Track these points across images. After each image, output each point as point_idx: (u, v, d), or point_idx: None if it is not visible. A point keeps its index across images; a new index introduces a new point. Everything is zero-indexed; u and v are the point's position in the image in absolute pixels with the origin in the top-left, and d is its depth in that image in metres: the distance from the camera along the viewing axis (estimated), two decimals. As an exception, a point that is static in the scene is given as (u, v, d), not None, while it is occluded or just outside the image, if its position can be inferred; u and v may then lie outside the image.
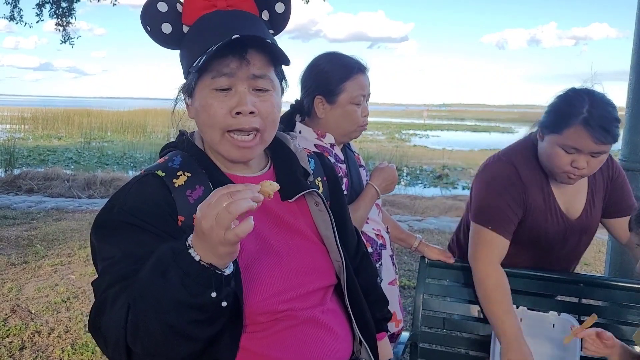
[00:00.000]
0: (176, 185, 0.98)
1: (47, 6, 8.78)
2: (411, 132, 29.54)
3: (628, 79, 2.79)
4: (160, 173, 0.99)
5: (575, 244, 1.81)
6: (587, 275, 1.81)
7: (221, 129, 0.98)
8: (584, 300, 1.78)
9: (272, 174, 1.11)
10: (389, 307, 1.77)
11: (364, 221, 1.72)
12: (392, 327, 1.80)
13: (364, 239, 1.71)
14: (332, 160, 1.67)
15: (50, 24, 9.11)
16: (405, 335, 1.80)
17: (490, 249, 1.70)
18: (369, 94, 1.75)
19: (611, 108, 1.54)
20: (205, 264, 0.78)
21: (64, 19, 8.93)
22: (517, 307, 1.77)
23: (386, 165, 1.80)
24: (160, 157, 1.08)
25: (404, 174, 12.53)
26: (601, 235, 5.17)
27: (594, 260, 4.81)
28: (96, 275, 0.94)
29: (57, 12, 8.84)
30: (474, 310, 1.88)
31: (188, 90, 1.02)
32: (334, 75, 1.69)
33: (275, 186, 0.83)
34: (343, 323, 1.11)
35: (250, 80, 0.97)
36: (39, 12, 8.80)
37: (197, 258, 0.78)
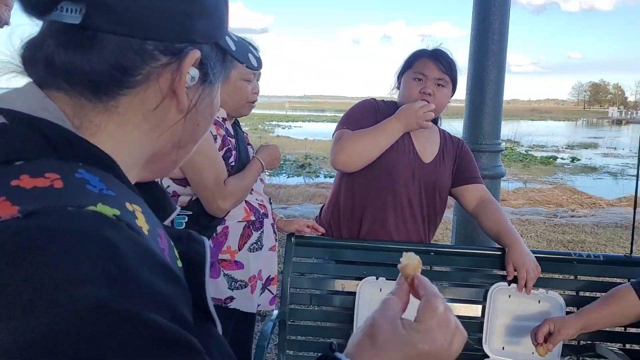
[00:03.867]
0: (144, 230, 0.49)
1: None
2: (274, 123, 29.83)
3: (467, 69, 3.09)
4: (114, 212, 0.46)
5: (427, 194, 1.98)
6: (437, 244, 1.99)
7: None
8: (435, 268, 1.95)
9: None
10: (270, 271, 1.85)
11: (249, 190, 1.81)
12: (274, 289, 1.91)
13: (247, 208, 1.81)
14: (223, 133, 1.77)
15: None
16: (275, 312, 1.84)
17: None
18: (259, 74, 1.87)
19: (451, 56, 1.97)
20: None
21: None
22: (377, 278, 1.90)
23: (270, 144, 1.97)
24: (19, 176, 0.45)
25: (268, 164, 12.63)
26: (448, 215, 5.68)
27: (442, 237, 5.29)
28: None
29: None
30: (339, 284, 1.97)
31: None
32: None
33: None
34: None
35: None
36: None
37: None
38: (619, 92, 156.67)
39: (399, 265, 0.63)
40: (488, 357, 1.83)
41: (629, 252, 2.02)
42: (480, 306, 1.90)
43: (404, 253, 0.64)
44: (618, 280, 1.94)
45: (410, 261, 0.63)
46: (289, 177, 11.44)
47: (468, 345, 1.88)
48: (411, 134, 2.00)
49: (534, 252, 1.88)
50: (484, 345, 1.84)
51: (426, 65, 1.93)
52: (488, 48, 2.95)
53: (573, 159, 21.21)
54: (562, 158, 21.55)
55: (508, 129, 32.46)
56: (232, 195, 1.68)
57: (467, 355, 1.87)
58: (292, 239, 2.01)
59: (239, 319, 1.82)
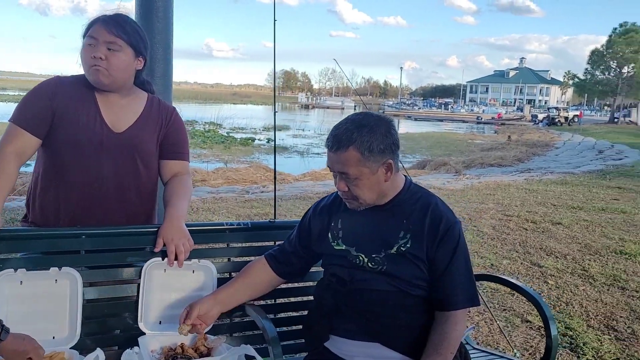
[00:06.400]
0: None
1: None
2: None
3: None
4: None
5: (125, 166, 1.94)
6: (88, 227, 1.88)
7: None
8: (84, 252, 1.84)
9: None
10: None
11: None
12: None
13: None
14: None
15: None
16: None
17: (7, 138, 1.85)
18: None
19: (128, 20, 1.93)
20: None
21: None
22: (16, 270, 1.71)
23: None
24: None
25: None
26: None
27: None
28: None
29: None
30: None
31: None
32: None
33: None
34: None
35: None
36: None
37: None
38: (306, 80, 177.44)
39: None
40: (144, 334, 1.83)
41: (274, 218, 2.26)
42: (136, 285, 1.88)
43: None
44: (265, 243, 2.16)
45: None
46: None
47: (124, 326, 1.86)
48: (99, 104, 1.92)
49: (189, 225, 1.95)
50: (139, 323, 1.83)
51: (98, 30, 1.85)
52: (153, 26, 2.92)
53: (268, 140, 23.21)
54: (259, 139, 23.38)
55: (211, 113, 33.62)
56: None
57: (123, 336, 1.85)
58: None
59: None
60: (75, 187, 1.90)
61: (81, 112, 1.89)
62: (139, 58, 1.94)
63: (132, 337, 1.81)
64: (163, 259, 1.87)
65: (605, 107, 72.68)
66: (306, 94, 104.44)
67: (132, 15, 2.90)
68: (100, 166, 1.90)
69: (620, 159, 17.20)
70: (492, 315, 3.34)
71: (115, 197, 1.95)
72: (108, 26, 1.85)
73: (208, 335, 1.85)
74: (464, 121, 53.61)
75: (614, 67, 50.63)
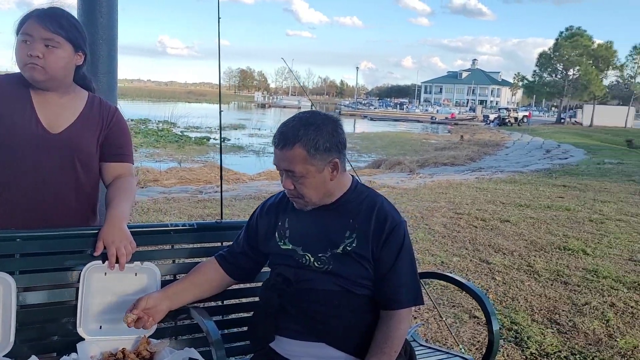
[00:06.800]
0: None
1: None
2: None
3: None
4: None
5: (64, 168, 1.86)
6: (22, 230, 1.80)
7: None
8: (19, 255, 1.76)
9: None
10: None
11: None
12: None
13: None
14: None
15: None
16: None
17: None
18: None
19: (64, 15, 1.84)
20: None
21: None
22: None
23: None
24: None
25: None
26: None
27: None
28: None
29: None
30: None
31: None
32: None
33: None
34: None
35: None
36: None
37: None
38: (263, 79, 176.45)
39: None
40: (84, 339, 1.77)
41: (220, 219, 2.23)
42: (75, 289, 1.81)
43: None
44: (212, 244, 2.13)
45: None
46: None
47: (62, 331, 1.79)
48: (35, 104, 1.83)
49: (131, 227, 1.90)
50: (78, 329, 1.77)
51: (33, 26, 1.76)
52: (97, 22, 2.83)
53: (224, 139, 22.95)
54: (214, 138, 23.08)
55: (165, 111, 33.02)
56: None
57: (61, 342, 1.78)
58: None
59: None
60: (11, 190, 1.82)
61: (16, 113, 1.81)
62: (78, 53, 1.87)
63: (71, 342, 1.75)
64: (103, 262, 1.81)
65: (553, 108, 75.50)
66: (263, 93, 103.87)
67: (74, 11, 2.81)
68: (36, 168, 1.83)
69: (566, 158, 17.89)
70: (439, 312, 3.41)
71: (53, 200, 1.88)
72: (43, 22, 1.76)
73: (151, 339, 1.81)
74: (418, 121, 54.56)
75: (561, 69, 52.58)
